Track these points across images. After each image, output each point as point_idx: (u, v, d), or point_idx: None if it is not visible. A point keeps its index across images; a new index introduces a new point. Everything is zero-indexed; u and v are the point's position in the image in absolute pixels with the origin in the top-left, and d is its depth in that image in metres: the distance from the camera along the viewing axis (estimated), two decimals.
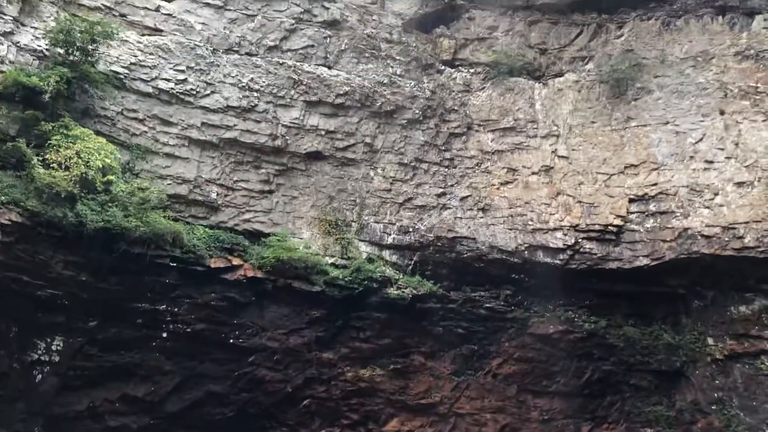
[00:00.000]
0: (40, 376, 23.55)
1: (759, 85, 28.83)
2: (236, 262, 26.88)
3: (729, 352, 28.75)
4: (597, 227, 29.37)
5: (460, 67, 33.29)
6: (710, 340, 29.48)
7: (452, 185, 31.19)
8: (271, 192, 29.46)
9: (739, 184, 27.91)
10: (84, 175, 22.48)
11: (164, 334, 25.88)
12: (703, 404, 29.36)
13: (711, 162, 28.70)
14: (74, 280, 23.47)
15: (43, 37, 24.51)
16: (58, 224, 22.17)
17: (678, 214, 28.56)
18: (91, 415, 24.91)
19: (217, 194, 28.31)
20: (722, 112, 29.15)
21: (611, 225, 29.22)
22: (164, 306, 25.63)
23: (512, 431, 30.20)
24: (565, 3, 32.95)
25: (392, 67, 31.91)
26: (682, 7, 31.53)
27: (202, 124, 28.09)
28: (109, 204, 23.48)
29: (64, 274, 23.17)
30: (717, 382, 29.09)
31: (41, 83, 22.70)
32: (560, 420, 30.53)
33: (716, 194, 28.20)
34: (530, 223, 30.06)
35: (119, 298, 24.60)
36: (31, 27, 24.73)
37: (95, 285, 23.87)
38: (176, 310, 25.82)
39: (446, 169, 31.43)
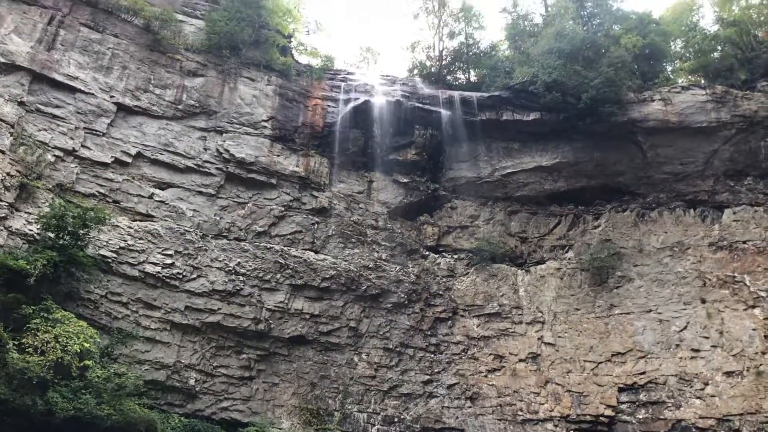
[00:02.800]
0: None
1: (736, 274, 29.59)
2: None
3: None
4: (588, 418, 28.46)
5: (443, 253, 34.05)
6: None
7: (439, 372, 30.57)
8: (251, 378, 28.63)
9: (729, 374, 27.59)
10: (60, 360, 21.70)
11: None
12: None
13: (697, 350, 28.58)
14: None
15: (35, 222, 24.96)
16: (25, 412, 20.95)
17: (670, 405, 27.86)
18: None
19: (196, 380, 27.44)
20: (703, 301, 29.59)
21: (602, 416, 28.37)
22: None
23: None
24: (542, 195, 34.58)
25: (378, 252, 32.57)
26: (654, 200, 33.18)
27: (186, 308, 27.92)
28: (83, 391, 22.47)
29: None
30: None
31: (28, 267, 22.73)
32: None
33: (706, 384, 27.76)
34: (520, 413, 29.12)
35: None
36: (25, 212, 25.29)
37: None
38: None
39: (432, 355, 30.97)
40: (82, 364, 22.39)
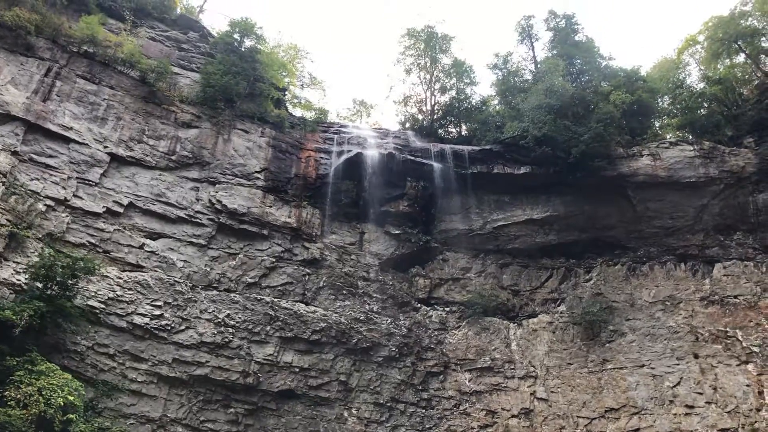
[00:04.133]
0: None
1: (728, 329, 29.52)
2: None
3: None
4: None
5: (435, 306, 33.85)
6: None
7: (430, 428, 29.99)
8: None
9: (724, 431, 27.19)
10: (43, 414, 21.16)
11: None
12: None
13: (692, 407, 28.28)
14: None
15: (24, 272, 24.68)
16: None
17: None
18: None
19: None
20: (696, 356, 29.43)
21: None
22: None
23: None
24: (534, 247, 34.66)
25: (369, 304, 32.35)
26: (645, 254, 33.33)
27: (174, 360, 27.46)
28: None
29: None
30: None
31: (14, 317, 22.36)
32: None
33: None
34: None
35: None
36: (14, 261, 25.05)
37: None
38: None
39: (423, 410, 30.44)
40: (65, 418, 21.81)
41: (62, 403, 21.65)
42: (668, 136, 36.46)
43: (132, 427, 25.66)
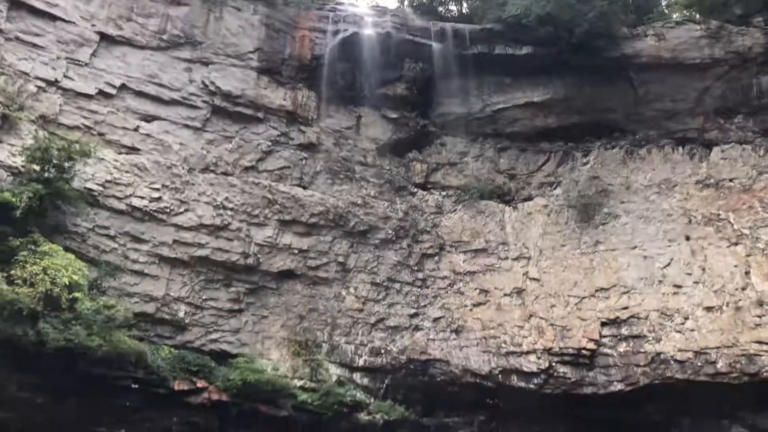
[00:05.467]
0: None
1: (720, 212, 29.87)
2: (201, 384, 25.75)
3: None
4: (570, 351, 29.08)
5: (432, 190, 34.06)
6: None
7: (425, 306, 31.03)
8: (240, 311, 28.91)
9: (709, 309, 28.14)
10: (49, 292, 21.66)
11: None
12: None
13: (680, 286, 29.08)
14: (29, 402, 22.08)
15: (19, 154, 24.51)
16: (17, 343, 21.08)
17: (650, 338, 28.50)
18: None
19: (185, 313, 27.66)
20: (688, 238, 29.93)
21: (584, 349, 28.98)
22: (123, 431, 24.20)
23: None
24: (532, 131, 34.41)
25: (366, 188, 32.53)
26: (644, 137, 33.14)
27: (174, 241, 27.89)
28: (73, 322, 22.54)
29: (20, 396, 21.81)
30: None
31: (14, 199, 22.47)
32: None
33: (687, 318, 28.34)
34: (503, 345, 29.72)
35: (76, 421, 23.15)
36: (8, 144, 24.83)
37: (52, 407, 22.49)
38: None
39: (419, 290, 31.37)
40: (71, 297, 22.39)
41: (67, 282, 22.06)
42: (674, 16, 35.28)
43: (136, 305, 26.33)
